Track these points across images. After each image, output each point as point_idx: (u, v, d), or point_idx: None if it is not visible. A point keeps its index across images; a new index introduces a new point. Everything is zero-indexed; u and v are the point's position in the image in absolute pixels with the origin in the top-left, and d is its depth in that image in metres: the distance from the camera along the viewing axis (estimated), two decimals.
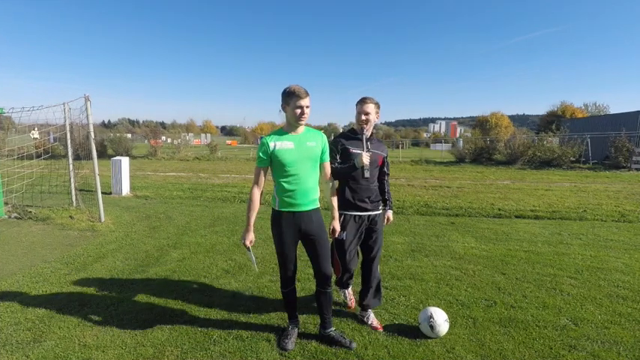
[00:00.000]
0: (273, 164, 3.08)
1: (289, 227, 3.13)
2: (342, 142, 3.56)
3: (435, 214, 8.88)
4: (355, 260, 3.73)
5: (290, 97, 2.99)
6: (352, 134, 3.63)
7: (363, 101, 3.55)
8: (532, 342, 3.40)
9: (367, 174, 3.42)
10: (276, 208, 3.15)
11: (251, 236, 3.17)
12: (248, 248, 3.21)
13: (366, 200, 3.57)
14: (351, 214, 3.57)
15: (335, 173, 3.50)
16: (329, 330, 3.39)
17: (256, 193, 3.12)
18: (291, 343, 3.29)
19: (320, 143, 3.19)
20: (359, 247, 3.76)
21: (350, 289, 4.07)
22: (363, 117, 3.52)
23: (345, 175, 3.51)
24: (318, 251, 3.24)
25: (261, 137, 3.11)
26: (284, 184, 3.07)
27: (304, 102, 3.00)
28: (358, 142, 3.53)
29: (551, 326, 3.67)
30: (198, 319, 3.75)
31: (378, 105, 3.60)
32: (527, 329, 3.61)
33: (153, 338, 3.40)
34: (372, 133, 3.63)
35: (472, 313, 3.92)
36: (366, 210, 3.58)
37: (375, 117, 3.58)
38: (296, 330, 3.44)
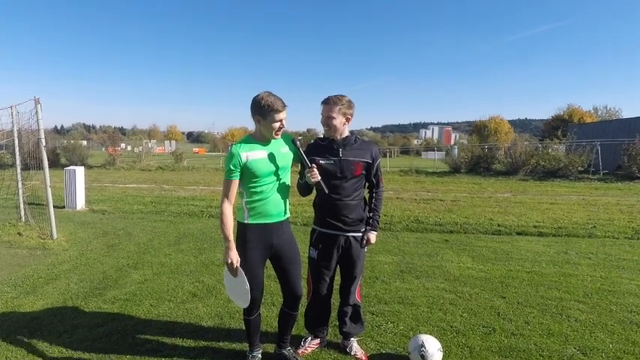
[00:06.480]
0: (243, 175, 3.05)
1: (259, 242, 3.12)
2: (312, 154, 3.39)
3: (427, 231, 8.94)
4: (329, 284, 3.63)
5: (266, 111, 2.95)
6: (321, 141, 3.51)
7: (325, 102, 3.36)
8: None
9: (323, 191, 3.23)
10: (245, 221, 3.12)
11: (236, 254, 3.04)
12: (235, 269, 3.03)
13: (342, 218, 3.41)
14: (322, 231, 3.52)
15: (298, 190, 3.46)
16: (284, 350, 3.50)
17: (228, 208, 3.05)
18: None
19: (291, 148, 3.24)
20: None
21: (315, 341, 3.78)
22: (327, 122, 3.34)
23: (307, 192, 3.45)
24: (289, 268, 3.25)
25: (230, 146, 3.09)
26: (254, 194, 3.07)
27: (282, 115, 3.00)
28: (325, 150, 3.40)
29: (556, 356, 3.69)
30: (162, 348, 3.71)
31: (349, 105, 3.36)
32: (529, 359, 3.64)
33: None
34: (347, 136, 3.44)
35: (468, 341, 3.94)
36: (340, 230, 3.45)
37: (342, 121, 3.36)
38: (258, 358, 3.45)
